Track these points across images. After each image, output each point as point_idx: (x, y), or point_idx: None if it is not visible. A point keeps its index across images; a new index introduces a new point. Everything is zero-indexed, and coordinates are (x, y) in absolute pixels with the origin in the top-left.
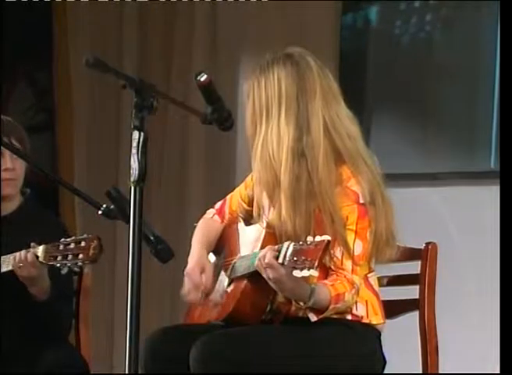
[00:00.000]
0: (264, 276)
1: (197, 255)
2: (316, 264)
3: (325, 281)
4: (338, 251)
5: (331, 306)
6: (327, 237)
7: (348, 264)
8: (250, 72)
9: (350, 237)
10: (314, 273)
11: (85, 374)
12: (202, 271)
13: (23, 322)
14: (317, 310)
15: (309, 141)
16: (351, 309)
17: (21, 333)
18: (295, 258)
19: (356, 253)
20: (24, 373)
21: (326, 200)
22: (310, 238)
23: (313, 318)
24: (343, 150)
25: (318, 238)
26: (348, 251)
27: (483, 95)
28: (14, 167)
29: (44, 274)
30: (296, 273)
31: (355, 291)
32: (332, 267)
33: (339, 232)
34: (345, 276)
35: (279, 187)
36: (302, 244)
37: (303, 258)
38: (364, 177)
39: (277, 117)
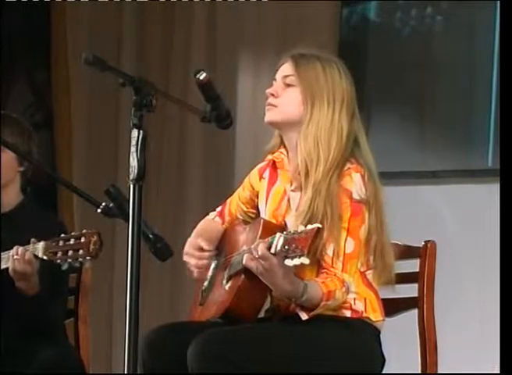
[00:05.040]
0: (255, 268)
1: (195, 236)
2: (306, 251)
3: (316, 279)
4: (329, 249)
5: (322, 303)
6: (317, 225)
7: (339, 262)
8: (281, 54)
9: (342, 235)
10: (305, 260)
11: (82, 373)
12: (202, 241)
13: (15, 318)
14: (306, 308)
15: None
16: (350, 305)
17: (14, 329)
18: (286, 247)
19: (347, 251)
20: (20, 373)
21: (333, 195)
22: (301, 227)
23: (303, 316)
24: (358, 154)
25: (308, 227)
26: (339, 249)
27: (481, 94)
28: None
29: (35, 271)
30: (288, 262)
31: (345, 289)
32: (323, 264)
33: (335, 228)
34: (335, 274)
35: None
36: (293, 234)
37: (293, 246)
38: (361, 176)
39: (339, 110)
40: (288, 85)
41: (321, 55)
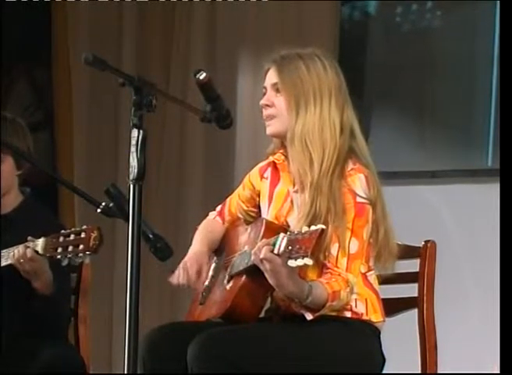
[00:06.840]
0: (262, 269)
1: (197, 249)
2: (310, 252)
3: (320, 279)
4: (333, 249)
5: (327, 304)
6: (321, 226)
7: (343, 262)
8: (274, 56)
9: (347, 235)
10: (308, 261)
11: (84, 374)
12: (198, 268)
13: (21, 317)
14: (311, 308)
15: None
16: (351, 306)
17: (19, 328)
18: (290, 248)
19: (351, 251)
20: (24, 373)
21: (336, 194)
22: (305, 228)
23: (309, 316)
24: (357, 149)
25: (312, 228)
26: (343, 249)
27: (481, 94)
28: None
29: (46, 267)
30: (291, 263)
31: (350, 289)
32: (327, 265)
33: (340, 227)
34: (339, 274)
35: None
36: (297, 234)
37: (297, 247)
38: (365, 176)
39: (327, 105)
40: (279, 91)
41: (303, 52)
